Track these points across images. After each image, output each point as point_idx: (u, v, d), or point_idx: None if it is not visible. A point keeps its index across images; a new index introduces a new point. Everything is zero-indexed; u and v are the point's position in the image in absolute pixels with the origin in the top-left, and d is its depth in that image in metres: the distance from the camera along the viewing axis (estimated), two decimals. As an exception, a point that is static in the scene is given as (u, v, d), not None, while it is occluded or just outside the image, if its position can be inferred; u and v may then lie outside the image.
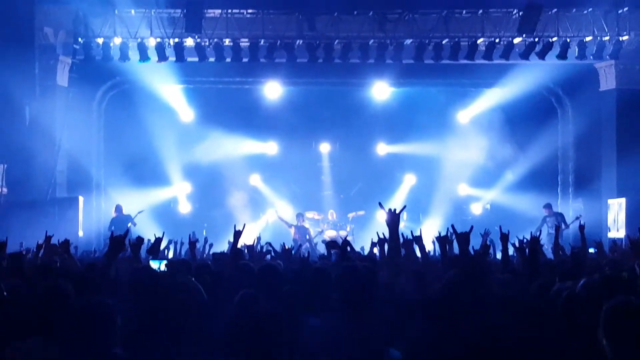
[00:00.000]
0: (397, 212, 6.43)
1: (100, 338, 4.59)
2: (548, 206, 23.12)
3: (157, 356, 4.72)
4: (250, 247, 12.12)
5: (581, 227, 12.30)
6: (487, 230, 13.54)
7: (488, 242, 11.19)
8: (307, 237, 23.56)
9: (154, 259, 9.29)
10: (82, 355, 4.55)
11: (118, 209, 23.25)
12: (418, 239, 9.66)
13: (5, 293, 6.48)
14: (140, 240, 8.93)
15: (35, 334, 5.04)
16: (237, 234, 9.20)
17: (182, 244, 15.32)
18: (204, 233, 22.13)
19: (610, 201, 22.78)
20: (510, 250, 9.46)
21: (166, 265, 8.46)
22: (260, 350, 4.77)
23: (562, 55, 21.58)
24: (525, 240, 8.50)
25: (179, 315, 5.30)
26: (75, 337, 4.56)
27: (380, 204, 6.82)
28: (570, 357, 5.41)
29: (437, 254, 13.22)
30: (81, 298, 5.35)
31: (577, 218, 20.86)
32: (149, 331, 5.12)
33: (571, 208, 24.26)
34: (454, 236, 8.07)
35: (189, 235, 12.46)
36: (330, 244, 9.65)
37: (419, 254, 10.09)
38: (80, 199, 22.51)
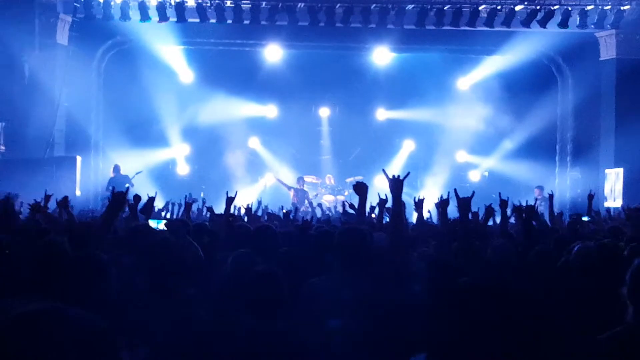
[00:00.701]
0: (401, 179, 6.45)
1: (94, 291, 4.62)
2: (540, 187, 23.15)
3: (154, 314, 4.76)
4: (248, 210, 12.18)
5: (590, 196, 12.40)
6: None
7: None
8: (307, 200, 23.61)
9: (147, 218, 9.33)
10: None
11: (116, 169, 23.30)
12: (419, 205, 9.73)
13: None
14: (137, 198, 8.97)
15: (32, 291, 5.06)
16: (229, 200, 9.29)
17: (180, 205, 15.36)
18: (202, 195, 22.19)
19: (607, 171, 22.83)
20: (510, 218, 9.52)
21: (165, 224, 8.50)
22: (256, 309, 4.82)
23: (563, 24, 21.54)
24: (523, 206, 8.54)
25: (176, 274, 5.34)
26: (69, 290, 4.59)
27: (383, 171, 6.83)
28: (566, 321, 5.47)
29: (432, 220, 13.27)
30: (74, 253, 5.38)
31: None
32: (147, 288, 5.17)
33: (569, 177, 24.33)
34: (455, 200, 8.11)
35: (185, 196, 12.47)
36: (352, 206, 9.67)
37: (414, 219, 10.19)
38: (78, 158, 22.50)
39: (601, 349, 4.28)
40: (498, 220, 9.69)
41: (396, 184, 6.43)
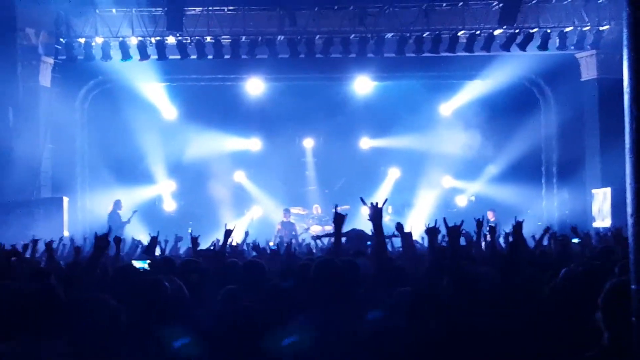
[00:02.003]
0: (380, 205, 6.45)
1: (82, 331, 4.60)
2: (493, 210, 23.38)
3: (140, 354, 4.72)
4: (233, 246, 12.12)
5: (573, 228, 12.44)
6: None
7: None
8: (293, 232, 23.57)
9: (147, 258, 9.31)
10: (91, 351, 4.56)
11: (117, 204, 23.34)
12: (406, 233, 9.72)
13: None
14: (118, 240, 8.95)
15: (24, 333, 5.04)
16: (228, 233, 9.22)
17: (166, 242, 15.34)
18: (190, 231, 22.12)
19: (594, 191, 22.88)
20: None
21: (149, 264, 8.46)
22: (244, 346, 4.80)
23: (543, 46, 21.68)
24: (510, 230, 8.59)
25: (160, 313, 5.31)
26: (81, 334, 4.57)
27: (361, 199, 6.85)
28: (556, 347, 5.46)
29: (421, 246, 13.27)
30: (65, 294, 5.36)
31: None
32: (132, 329, 5.12)
33: (556, 198, 24.39)
34: (443, 229, 8.08)
35: (176, 235, 12.45)
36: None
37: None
38: (65, 199, 22.45)
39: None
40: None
41: (375, 212, 6.44)
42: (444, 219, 8.21)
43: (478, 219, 9.35)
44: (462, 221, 7.99)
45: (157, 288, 5.59)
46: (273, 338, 5.11)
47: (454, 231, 7.76)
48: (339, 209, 22.85)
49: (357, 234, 13.56)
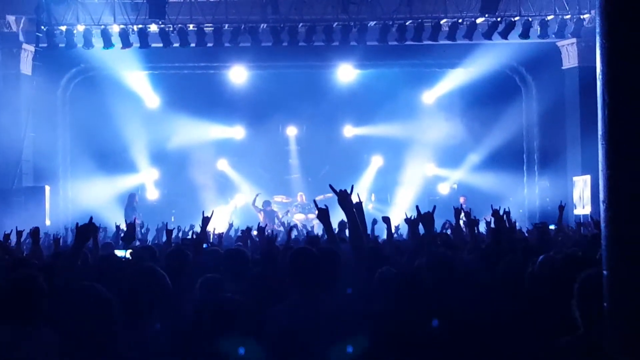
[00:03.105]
0: (349, 192, 6.50)
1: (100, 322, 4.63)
2: (465, 196, 23.64)
3: (122, 343, 4.73)
4: (220, 235, 12.17)
5: (561, 207, 12.52)
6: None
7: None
8: (277, 219, 23.61)
9: (126, 247, 9.32)
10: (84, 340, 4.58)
11: (131, 197, 23.74)
12: (386, 220, 9.82)
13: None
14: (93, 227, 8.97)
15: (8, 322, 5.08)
16: (206, 220, 9.25)
17: (147, 230, 15.37)
18: (172, 219, 22.18)
19: (575, 178, 23.00)
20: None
21: (131, 253, 8.47)
22: (223, 336, 4.81)
23: (525, 35, 21.72)
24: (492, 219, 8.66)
25: (142, 303, 5.33)
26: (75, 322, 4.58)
27: (330, 186, 6.88)
28: (534, 335, 5.52)
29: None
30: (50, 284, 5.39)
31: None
32: (108, 320, 5.13)
33: (537, 186, 24.48)
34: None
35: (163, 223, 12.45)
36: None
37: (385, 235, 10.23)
38: (47, 188, 22.42)
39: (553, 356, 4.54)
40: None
41: (344, 198, 6.48)
42: (417, 207, 8.30)
43: (456, 207, 9.48)
44: (434, 207, 8.06)
45: (144, 277, 5.61)
46: (253, 328, 5.13)
47: (427, 218, 7.84)
48: (321, 197, 22.97)
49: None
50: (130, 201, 23.66)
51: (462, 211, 10.51)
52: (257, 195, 25.44)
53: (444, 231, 12.67)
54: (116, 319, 4.69)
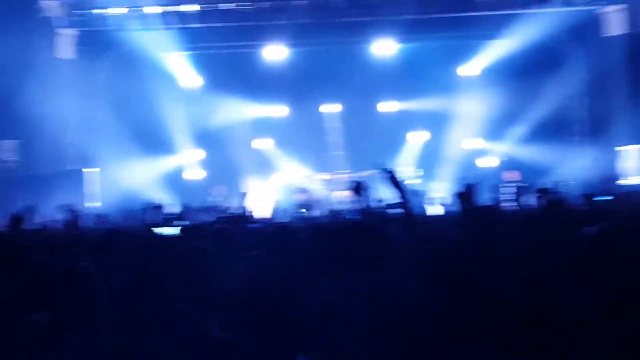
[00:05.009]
0: (386, 170, 6.38)
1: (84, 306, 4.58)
2: (512, 171, 23.32)
3: (166, 322, 4.67)
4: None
5: (606, 178, 12.32)
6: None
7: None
8: (315, 199, 23.52)
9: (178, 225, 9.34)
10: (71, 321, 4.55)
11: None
12: (422, 194, 9.70)
13: (27, 266, 6.48)
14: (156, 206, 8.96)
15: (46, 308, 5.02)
16: (242, 197, 9.24)
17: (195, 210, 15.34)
18: (215, 198, 22.23)
19: (623, 148, 22.64)
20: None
21: (181, 230, 8.47)
22: (270, 313, 4.73)
23: (568, 2, 21.34)
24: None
25: (190, 279, 5.26)
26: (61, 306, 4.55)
27: (374, 165, 6.77)
28: (587, 304, 5.35)
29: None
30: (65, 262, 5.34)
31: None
32: (160, 296, 5.07)
33: (585, 157, 24.11)
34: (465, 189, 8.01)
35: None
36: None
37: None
38: (92, 170, 22.55)
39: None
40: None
41: (386, 175, 6.37)
42: (460, 180, 8.16)
43: (502, 182, 9.28)
44: (477, 179, 7.89)
45: (192, 254, 5.55)
46: (299, 304, 5.04)
47: (470, 190, 7.68)
48: (363, 173, 22.71)
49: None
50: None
51: (514, 185, 10.41)
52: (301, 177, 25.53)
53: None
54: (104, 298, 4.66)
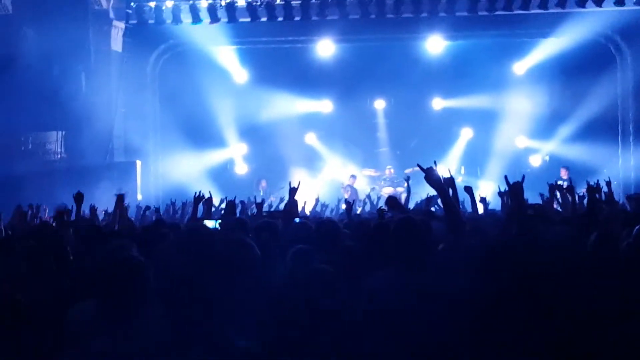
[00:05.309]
0: (435, 168, 6.35)
1: (133, 296, 4.64)
2: (567, 167, 22.91)
3: (207, 314, 4.72)
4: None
5: None
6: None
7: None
8: (357, 195, 23.48)
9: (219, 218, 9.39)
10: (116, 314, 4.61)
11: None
12: (468, 190, 9.66)
13: (71, 257, 6.59)
14: (200, 199, 9.03)
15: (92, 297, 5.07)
16: (293, 191, 9.23)
17: (238, 204, 15.39)
18: (261, 193, 22.34)
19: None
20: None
21: (220, 224, 8.51)
22: (314, 308, 4.76)
23: (620, 1, 21.09)
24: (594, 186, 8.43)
25: (231, 273, 5.30)
26: (110, 295, 4.62)
27: (418, 165, 6.69)
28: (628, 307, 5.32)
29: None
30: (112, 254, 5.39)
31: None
32: (200, 289, 5.11)
33: (632, 157, 23.84)
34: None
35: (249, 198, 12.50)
36: (390, 202, 9.47)
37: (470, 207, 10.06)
38: (138, 163, 22.75)
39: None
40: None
41: (430, 174, 6.34)
42: (505, 177, 8.07)
43: (551, 183, 9.17)
44: (523, 176, 7.78)
45: (233, 247, 5.58)
46: (345, 299, 5.06)
47: (516, 188, 7.60)
48: (410, 170, 22.54)
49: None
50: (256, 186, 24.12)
51: (562, 183, 10.28)
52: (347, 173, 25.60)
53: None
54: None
